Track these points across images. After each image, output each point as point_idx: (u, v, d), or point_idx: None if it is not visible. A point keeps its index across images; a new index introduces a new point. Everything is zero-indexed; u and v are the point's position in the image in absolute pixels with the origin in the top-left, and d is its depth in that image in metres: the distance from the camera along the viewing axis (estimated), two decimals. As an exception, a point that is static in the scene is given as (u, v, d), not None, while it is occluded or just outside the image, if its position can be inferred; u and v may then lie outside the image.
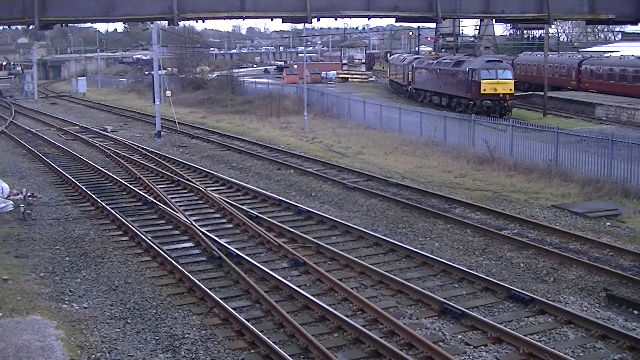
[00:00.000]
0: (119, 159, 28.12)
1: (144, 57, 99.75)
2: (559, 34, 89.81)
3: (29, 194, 21.15)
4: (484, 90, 38.13)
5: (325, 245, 15.61)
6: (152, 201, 20.31)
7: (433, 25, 69.63)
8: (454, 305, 12.02)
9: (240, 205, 19.37)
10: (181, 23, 17.93)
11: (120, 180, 23.58)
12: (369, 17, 17.54)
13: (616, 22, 20.36)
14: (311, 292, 12.91)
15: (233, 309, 11.97)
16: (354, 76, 69.64)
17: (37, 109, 56.96)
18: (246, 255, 15.05)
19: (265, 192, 21.30)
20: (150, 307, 12.46)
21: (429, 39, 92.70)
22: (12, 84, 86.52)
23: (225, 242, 16.04)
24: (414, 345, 10.61)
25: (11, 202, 20.13)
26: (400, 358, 10.05)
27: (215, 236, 16.43)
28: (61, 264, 15.04)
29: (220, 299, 12.46)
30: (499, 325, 11.16)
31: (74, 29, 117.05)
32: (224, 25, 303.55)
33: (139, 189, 22.07)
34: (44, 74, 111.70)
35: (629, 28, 71.82)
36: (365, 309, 12.06)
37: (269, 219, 17.89)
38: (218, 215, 19.03)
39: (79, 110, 56.87)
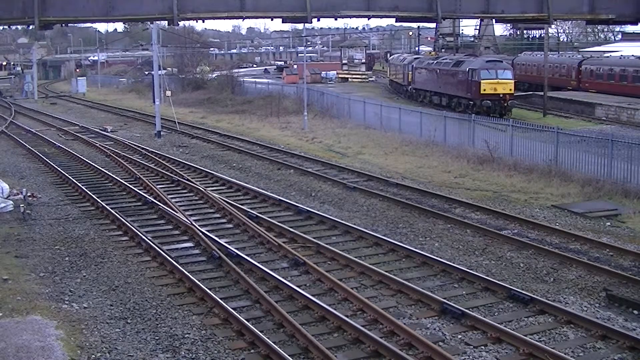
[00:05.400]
0: (119, 159, 28.12)
1: (101, 60, 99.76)
2: (559, 34, 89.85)
3: (29, 194, 21.16)
4: (484, 90, 38.13)
5: (325, 245, 15.61)
6: (152, 201, 20.31)
7: (433, 25, 69.61)
8: (454, 305, 12.02)
9: (240, 205, 19.37)
10: (181, 23, 17.92)
11: (120, 180, 23.58)
12: (369, 17, 17.52)
13: (616, 22, 20.34)
14: (311, 292, 12.91)
15: (233, 309, 11.97)
16: (354, 76, 69.61)
17: (37, 109, 56.97)
18: (246, 255, 15.05)
19: (265, 192, 21.30)
20: (150, 307, 12.46)
21: (429, 39, 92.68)
22: (12, 84, 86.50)
23: (225, 242, 16.04)
24: (414, 345, 10.62)
25: (11, 202, 20.13)
26: (400, 358, 10.05)
27: (215, 236, 16.43)
28: (61, 264, 15.04)
29: (220, 299, 12.46)
30: (499, 325, 11.17)
31: (74, 29, 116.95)
32: (224, 25, 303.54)
33: (139, 189, 22.07)
34: (43, 74, 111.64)
35: (629, 28, 71.95)
36: (365, 309, 12.06)
37: (269, 219, 17.89)
38: (218, 215, 19.03)
39: (79, 110, 56.88)
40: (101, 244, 16.48)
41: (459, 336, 11.13)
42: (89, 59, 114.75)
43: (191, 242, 16.59)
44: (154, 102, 38.53)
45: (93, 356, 10.47)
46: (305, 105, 37.97)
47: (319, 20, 17.61)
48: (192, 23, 61.20)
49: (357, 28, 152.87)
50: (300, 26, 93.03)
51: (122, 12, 15.53)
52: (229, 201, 19.83)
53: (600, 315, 11.90)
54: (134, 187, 22.42)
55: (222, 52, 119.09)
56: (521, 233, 16.73)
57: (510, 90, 38.75)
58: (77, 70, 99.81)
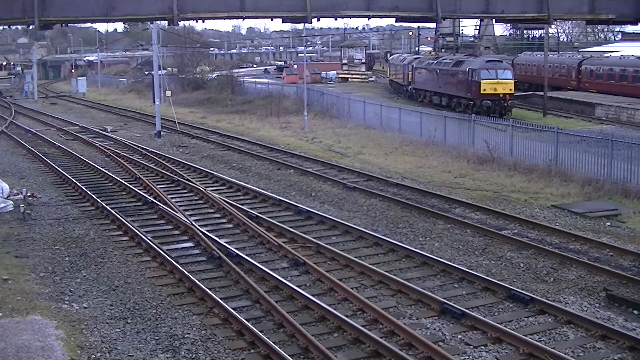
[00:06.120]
0: (119, 159, 28.13)
1: (95, 60, 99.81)
2: (559, 34, 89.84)
3: (29, 194, 21.17)
4: (484, 90, 38.12)
5: (325, 245, 15.61)
6: (152, 201, 20.31)
7: (433, 25, 69.62)
8: (454, 305, 12.02)
9: (240, 205, 19.37)
10: (181, 23, 17.91)
11: (120, 180, 23.58)
12: (369, 17, 17.52)
13: (616, 22, 20.34)
14: (311, 292, 12.91)
15: (233, 309, 11.97)
16: (354, 76, 69.58)
17: (37, 109, 56.97)
18: (246, 255, 15.05)
19: (265, 192, 21.30)
20: (150, 307, 12.46)
21: (429, 39, 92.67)
22: (12, 84, 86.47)
23: (225, 242, 16.04)
24: (414, 345, 10.62)
25: (11, 202, 20.13)
26: (400, 358, 10.05)
27: (215, 236, 16.43)
28: (61, 264, 15.04)
29: (220, 299, 12.46)
30: (499, 325, 11.17)
31: (74, 29, 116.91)
32: (224, 25, 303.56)
33: (139, 189, 22.07)
34: (43, 74, 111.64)
35: (629, 28, 71.91)
36: (365, 309, 12.06)
37: (269, 219, 17.89)
38: (218, 215, 19.03)
39: (79, 110, 56.89)
40: (101, 244, 16.48)
41: (459, 336, 11.13)
42: (84, 59, 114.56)
43: (191, 242, 16.59)
44: (154, 102, 38.54)
45: (93, 356, 10.47)
46: (305, 105, 37.98)
47: (319, 20, 17.61)
48: (192, 23, 61.25)
49: (357, 28, 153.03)
50: (300, 26, 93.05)
51: (122, 12, 15.53)
52: (229, 201, 19.83)
53: (600, 315, 11.90)
54: (134, 187, 22.42)
55: (222, 52, 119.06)
56: (521, 233, 16.73)
57: (510, 90, 38.74)
58: (73, 70, 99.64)
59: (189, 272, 13.87)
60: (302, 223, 18.01)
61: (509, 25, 78.38)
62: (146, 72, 72.64)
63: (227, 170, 25.94)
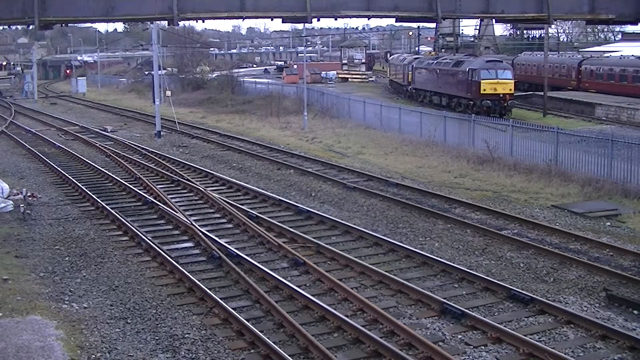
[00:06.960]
0: (119, 159, 28.13)
1: (90, 60, 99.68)
2: (559, 34, 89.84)
3: (29, 194, 21.17)
4: (484, 90, 38.09)
5: (325, 245, 15.61)
6: (152, 201, 20.31)
7: (433, 25, 69.66)
8: (454, 305, 12.02)
9: (240, 205, 19.37)
10: (181, 23, 17.92)
11: (120, 180, 23.58)
12: (369, 17, 17.54)
13: (616, 22, 20.35)
14: (311, 292, 12.91)
15: (233, 309, 11.97)
16: (354, 76, 69.59)
17: (37, 109, 56.96)
18: (246, 255, 15.05)
19: (265, 192, 21.30)
20: (150, 307, 12.46)
21: (429, 39, 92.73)
22: (12, 84, 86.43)
23: (225, 242, 16.04)
24: (414, 345, 10.62)
25: (11, 202, 20.13)
26: (400, 358, 10.05)
27: (215, 236, 16.43)
28: (61, 264, 15.04)
29: (220, 299, 12.46)
30: (499, 325, 11.17)
31: (74, 29, 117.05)
32: (224, 25, 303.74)
33: (139, 189, 22.08)
34: (43, 74, 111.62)
35: (629, 28, 71.89)
36: (365, 309, 12.06)
37: (269, 219, 17.89)
38: (218, 215, 19.03)
39: (79, 110, 56.88)
40: (101, 244, 16.48)
41: (459, 336, 11.13)
42: (77, 59, 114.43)
43: (191, 242, 16.59)
44: (154, 102, 38.53)
45: (93, 356, 10.47)
46: (305, 105, 37.98)
47: (319, 20, 17.63)
48: (192, 23, 61.28)
49: (357, 28, 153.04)
50: (300, 26, 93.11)
51: (122, 12, 15.53)
52: (229, 201, 19.83)
53: (600, 315, 11.91)
54: (134, 187, 22.42)
55: (222, 52, 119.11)
56: (521, 233, 16.73)
57: (510, 90, 38.71)
58: (68, 71, 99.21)
59: (189, 272, 13.87)
60: (302, 223, 18.01)
61: (509, 25, 78.44)
62: (146, 72, 72.66)
63: (227, 170, 25.94)
